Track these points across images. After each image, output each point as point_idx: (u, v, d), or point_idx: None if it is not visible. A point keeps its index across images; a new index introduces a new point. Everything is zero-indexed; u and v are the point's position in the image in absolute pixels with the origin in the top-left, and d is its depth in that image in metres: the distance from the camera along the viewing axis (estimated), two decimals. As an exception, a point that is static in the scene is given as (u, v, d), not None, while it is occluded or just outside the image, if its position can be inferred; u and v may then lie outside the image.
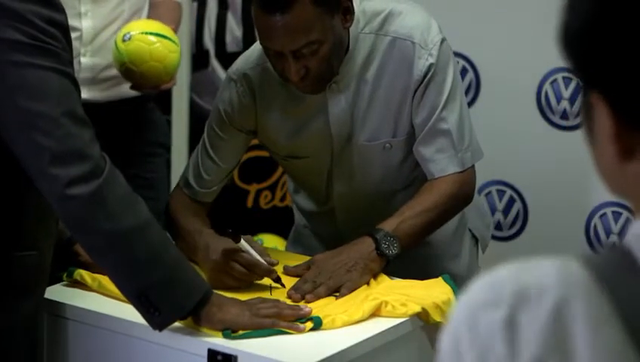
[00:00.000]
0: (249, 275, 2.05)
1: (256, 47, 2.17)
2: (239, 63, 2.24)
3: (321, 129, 2.19)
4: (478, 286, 0.84)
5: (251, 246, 2.07)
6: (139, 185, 1.80)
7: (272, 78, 2.14)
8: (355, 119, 2.18)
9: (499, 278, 0.83)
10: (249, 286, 2.05)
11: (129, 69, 2.46)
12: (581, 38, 0.83)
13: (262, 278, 2.07)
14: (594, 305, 0.78)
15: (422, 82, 2.12)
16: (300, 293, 2.00)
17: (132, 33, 2.46)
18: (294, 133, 2.22)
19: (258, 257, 2.04)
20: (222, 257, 2.04)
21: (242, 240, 2.05)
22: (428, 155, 2.15)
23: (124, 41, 2.45)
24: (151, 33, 2.47)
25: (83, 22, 2.57)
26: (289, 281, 2.07)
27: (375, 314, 1.92)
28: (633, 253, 0.81)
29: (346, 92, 2.16)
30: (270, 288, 2.05)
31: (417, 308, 1.93)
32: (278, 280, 2.06)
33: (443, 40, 2.14)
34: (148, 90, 2.57)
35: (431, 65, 2.11)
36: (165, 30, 2.52)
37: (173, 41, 2.50)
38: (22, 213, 1.82)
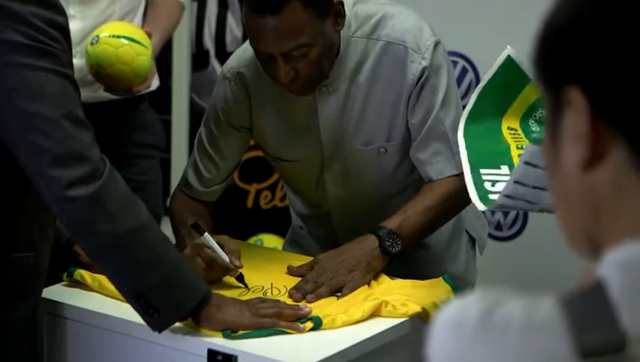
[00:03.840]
0: (208, 271, 2.02)
1: (250, 44, 2.17)
2: (233, 61, 2.24)
3: (311, 132, 2.19)
4: (448, 309, 0.83)
5: (225, 245, 2.05)
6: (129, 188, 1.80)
7: (266, 76, 2.14)
8: (348, 123, 2.17)
9: (467, 302, 0.81)
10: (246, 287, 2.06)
11: (97, 72, 2.48)
12: (566, 32, 0.83)
13: (221, 275, 2.03)
14: (553, 343, 0.76)
15: (416, 86, 2.12)
16: (301, 293, 2.00)
17: (100, 36, 2.47)
18: (284, 134, 2.22)
19: (220, 253, 2.02)
20: (189, 251, 2.04)
21: (205, 235, 2.03)
22: (425, 158, 2.15)
23: (92, 44, 2.47)
24: (119, 36, 2.48)
25: (71, 24, 2.56)
26: (291, 281, 2.07)
27: (375, 314, 1.92)
28: (609, 297, 0.78)
29: (336, 95, 2.15)
30: (271, 287, 2.06)
31: (417, 308, 1.93)
32: (240, 279, 2.04)
33: (437, 43, 2.13)
34: (120, 93, 2.58)
35: (424, 68, 2.11)
36: (135, 33, 2.53)
37: (143, 45, 2.51)
38: (19, 214, 1.82)
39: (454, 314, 0.81)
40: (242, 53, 2.23)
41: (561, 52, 0.84)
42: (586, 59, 0.82)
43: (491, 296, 0.81)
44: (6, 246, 1.81)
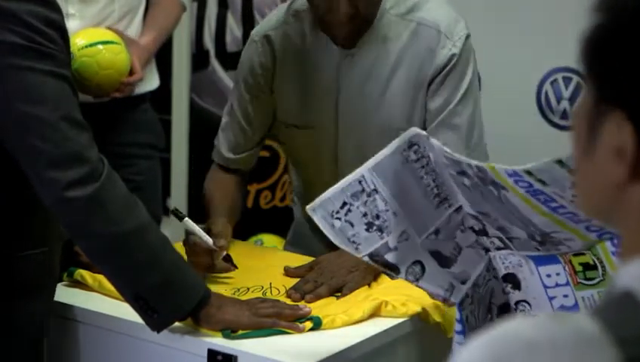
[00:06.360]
0: (195, 257, 2.02)
1: (280, 9, 2.18)
2: (262, 25, 2.29)
3: (330, 100, 2.19)
4: (486, 342, 0.77)
5: (211, 228, 2.05)
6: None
7: (293, 40, 2.16)
8: (368, 98, 2.17)
9: (507, 331, 0.76)
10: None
11: (84, 85, 2.45)
12: (612, 43, 0.76)
13: (209, 259, 2.01)
14: (606, 358, 0.74)
15: (442, 71, 2.12)
16: (300, 293, 2.00)
17: (74, 50, 2.45)
18: (303, 98, 2.22)
19: (202, 235, 2.02)
20: (183, 243, 2.06)
21: (186, 220, 2.03)
22: None
23: None
24: (92, 44, 2.47)
25: (70, 23, 2.56)
26: (291, 281, 2.07)
27: (375, 314, 1.92)
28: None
29: (360, 65, 2.16)
30: (270, 286, 2.06)
31: (417, 308, 1.93)
32: (227, 259, 2.04)
33: (468, 36, 2.14)
34: (113, 95, 2.57)
35: (453, 55, 2.11)
36: (105, 35, 2.52)
37: (116, 42, 2.51)
38: (30, 211, 1.83)
39: (495, 348, 0.76)
40: (270, 18, 2.28)
41: (598, 63, 0.78)
42: (628, 82, 0.76)
43: (531, 325, 0.77)
44: (17, 243, 1.81)
